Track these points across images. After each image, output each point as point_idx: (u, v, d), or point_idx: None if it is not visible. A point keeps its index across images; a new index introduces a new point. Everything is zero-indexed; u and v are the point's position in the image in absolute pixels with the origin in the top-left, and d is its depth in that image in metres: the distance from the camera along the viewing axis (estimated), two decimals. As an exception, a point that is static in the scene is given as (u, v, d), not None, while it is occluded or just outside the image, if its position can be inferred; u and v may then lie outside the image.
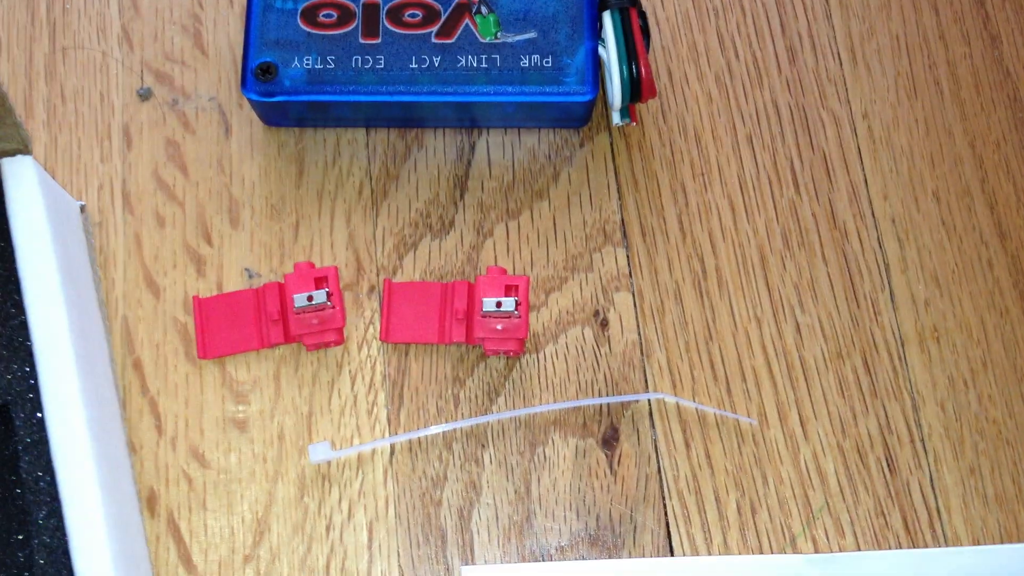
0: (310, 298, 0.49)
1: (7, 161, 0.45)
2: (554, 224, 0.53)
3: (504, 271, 0.51)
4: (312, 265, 0.50)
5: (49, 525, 0.42)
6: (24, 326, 0.44)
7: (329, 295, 0.49)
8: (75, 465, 0.42)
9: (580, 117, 0.54)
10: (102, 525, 0.42)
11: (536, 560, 0.49)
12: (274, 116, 0.53)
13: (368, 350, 0.51)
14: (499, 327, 0.49)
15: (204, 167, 0.54)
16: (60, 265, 0.44)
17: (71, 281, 0.46)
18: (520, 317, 0.49)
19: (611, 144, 0.55)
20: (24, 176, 0.45)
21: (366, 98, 0.51)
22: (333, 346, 0.51)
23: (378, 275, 0.52)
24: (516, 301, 0.49)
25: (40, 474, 0.42)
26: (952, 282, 0.53)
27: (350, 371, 0.51)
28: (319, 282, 0.49)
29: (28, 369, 0.43)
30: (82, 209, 0.52)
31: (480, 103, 0.52)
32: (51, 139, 0.54)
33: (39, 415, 0.43)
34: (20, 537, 0.43)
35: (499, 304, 0.49)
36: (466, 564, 0.48)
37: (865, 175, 0.55)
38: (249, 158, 0.54)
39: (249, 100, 0.52)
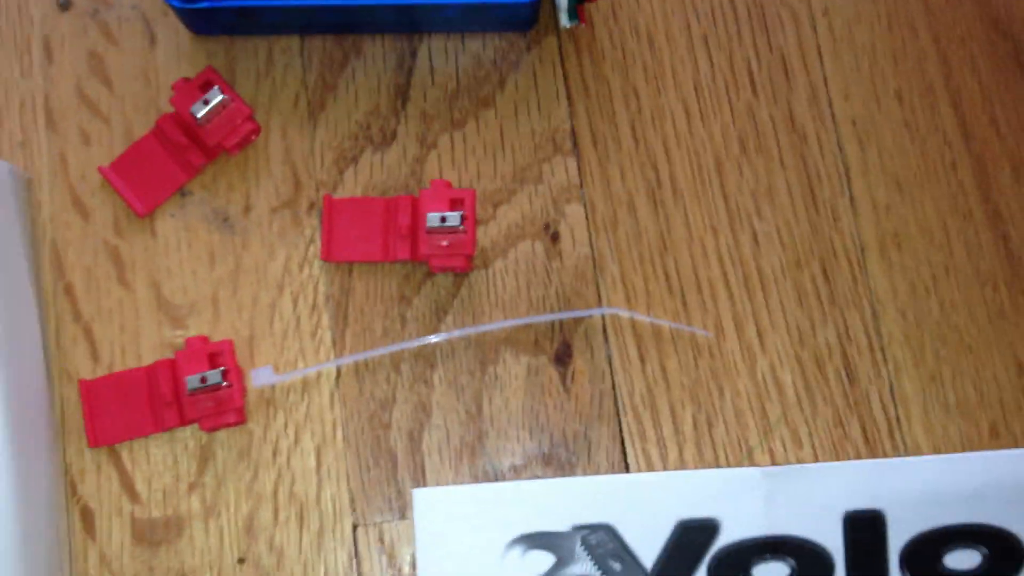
0: (203, 379, 0.46)
1: None
2: (501, 134, 0.51)
3: (449, 184, 0.49)
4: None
5: None
6: None
7: (224, 373, 0.46)
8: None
9: (526, 19, 0.51)
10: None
11: (490, 480, 0.48)
12: (201, 24, 0.51)
13: (309, 270, 0.49)
14: (445, 243, 0.48)
15: (129, 80, 0.51)
16: None
17: None
18: (467, 232, 0.48)
19: (559, 48, 0.53)
20: None
21: (298, 2, 0.49)
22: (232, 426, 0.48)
23: (317, 191, 0.50)
24: (462, 215, 0.47)
25: None
26: (914, 185, 0.52)
27: (291, 292, 0.49)
28: (213, 358, 0.47)
29: None
30: (13, 172, 0.49)
31: (420, 5, 0.49)
32: (-33, 54, 0.51)
33: None
34: None
35: (444, 219, 0.47)
36: (417, 486, 0.47)
37: (825, 75, 0.53)
38: (176, 69, 0.51)
39: (172, 8, 0.49)
